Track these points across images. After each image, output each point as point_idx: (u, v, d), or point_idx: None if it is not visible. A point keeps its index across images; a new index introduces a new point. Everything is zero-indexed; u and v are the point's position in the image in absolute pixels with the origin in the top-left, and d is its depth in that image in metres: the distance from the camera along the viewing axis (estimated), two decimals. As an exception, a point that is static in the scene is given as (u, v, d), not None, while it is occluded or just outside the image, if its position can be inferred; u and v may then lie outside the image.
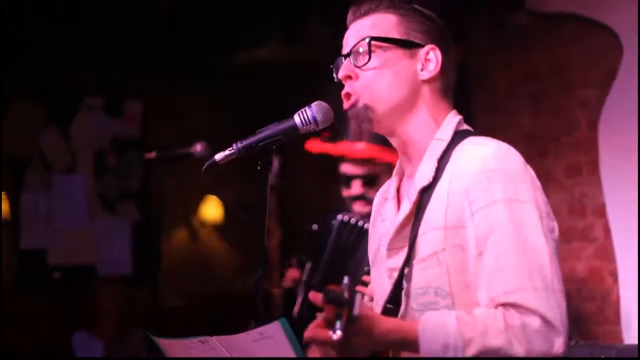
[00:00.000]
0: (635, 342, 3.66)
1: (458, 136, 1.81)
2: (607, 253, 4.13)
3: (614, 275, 4.08)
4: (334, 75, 1.89)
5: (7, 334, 5.50)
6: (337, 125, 1.89)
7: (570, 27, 4.40)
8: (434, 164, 1.78)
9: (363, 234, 3.26)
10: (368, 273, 3.14)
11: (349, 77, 1.83)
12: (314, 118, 1.82)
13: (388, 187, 1.96)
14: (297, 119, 1.83)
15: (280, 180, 4.07)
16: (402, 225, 1.80)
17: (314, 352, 1.65)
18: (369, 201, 3.38)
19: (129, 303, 5.48)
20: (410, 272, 1.76)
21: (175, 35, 5.66)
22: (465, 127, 1.86)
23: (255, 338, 1.74)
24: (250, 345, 1.74)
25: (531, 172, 1.74)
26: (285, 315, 3.09)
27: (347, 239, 3.32)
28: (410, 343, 1.61)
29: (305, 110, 1.83)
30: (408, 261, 1.76)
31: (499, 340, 1.56)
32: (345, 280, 1.49)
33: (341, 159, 3.35)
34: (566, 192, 4.38)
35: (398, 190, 1.92)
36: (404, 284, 1.77)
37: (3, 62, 5.47)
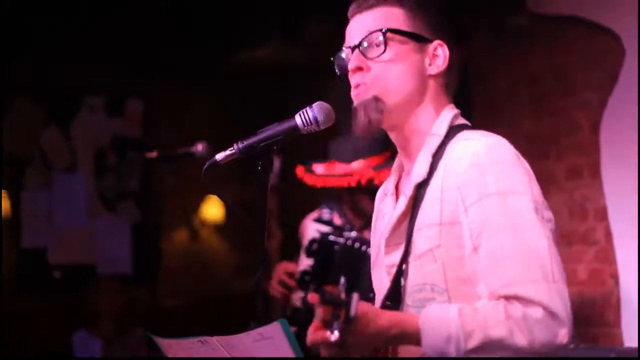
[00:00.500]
0: (636, 344, 3.66)
1: (453, 131, 1.82)
2: (608, 256, 4.13)
3: (614, 278, 4.08)
4: (336, 68, 1.89)
5: (7, 333, 5.49)
6: (338, 123, 1.88)
7: (572, 29, 4.39)
8: (429, 159, 1.78)
9: (354, 252, 3.19)
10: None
11: (359, 68, 1.83)
12: (315, 118, 1.82)
13: (388, 184, 1.96)
14: (298, 119, 1.83)
15: (281, 180, 4.07)
16: (399, 221, 1.81)
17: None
18: None
19: (128, 302, 5.48)
20: (406, 268, 1.76)
21: (176, 34, 5.67)
22: (461, 121, 1.87)
23: (255, 338, 1.73)
24: (250, 345, 1.74)
25: (525, 163, 1.74)
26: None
27: (340, 261, 3.21)
28: (411, 336, 1.60)
29: (306, 111, 1.82)
30: (405, 258, 1.76)
31: (501, 331, 1.55)
32: (342, 280, 1.49)
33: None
34: (567, 194, 4.37)
35: (397, 186, 1.92)
36: (402, 281, 1.77)
37: (3, 61, 5.47)
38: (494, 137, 1.75)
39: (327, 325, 1.50)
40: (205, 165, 1.83)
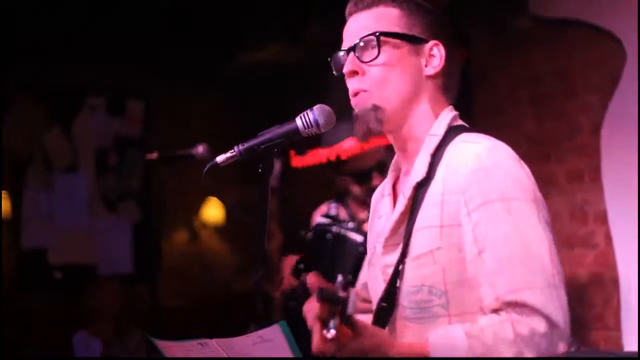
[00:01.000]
0: (636, 349, 3.66)
1: (452, 132, 1.81)
2: (608, 259, 4.13)
3: (614, 281, 4.08)
4: (333, 69, 1.88)
5: (8, 332, 5.50)
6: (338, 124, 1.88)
7: (573, 32, 4.39)
8: (428, 159, 1.77)
9: (341, 238, 3.24)
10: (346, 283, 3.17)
11: (354, 72, 1.82)
12: (316, 121, 1.82)
13: (385, 184, 1.96)
14: (298, 121, 1.82)
15: (282, 182, 4.07)
16: (398, 222, 1.80)
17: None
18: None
19: (129, 303, 5.48)
20: (403, 270, 1.76)
21: (178, 35, 5.67)
22: (460, 122, 1.86)
23: (255, 341, 1.73)
24: (249, 348, 1.74)
25: (525, 167, 1.73)
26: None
27: (325, 246, 3.28)
28: None
29: (307, 113, 1.82)
30: (402, 259, 1.76)
31: (510, 352, 1.56)
32: (339, 278, 1.49)
33: (336, 162, 3.32)
34: (568, 197, 4.37)
35: (395, 187, 1.91)
36: (398, 282, 1.77)
37: (5, 61, 5.47)
38: (495, 141, 1.75)
39: (324, 323, 1.50)
40: (206, 168, 1.83)
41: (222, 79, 6.22)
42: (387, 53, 1.80)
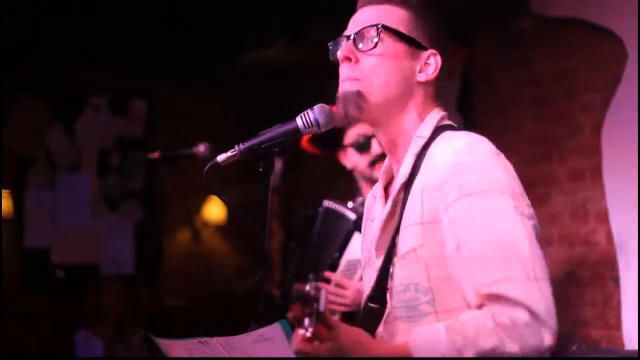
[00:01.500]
0: (636, 347, 3.66)
1: (437, 132, 1.81)
2: (609, 258, 4.13)
3: (615, 280, 4.08)
4: (330, 54, 1.89)
5: (10, 332, 5.51)
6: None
7: (575, 32, 4.39)
8: (412, 160, 1.78)
9: (344, 220, 3.25)
10: (333, 264, 3.16)
11: (348, 58, 1.82)
12: (316, 120, 1.82)
13: (377, 187, 1.97)
14: (299, 121, 1.83)
15: (283, 182, 4.07)
16: (385, 224, 1.81)
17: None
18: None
19: (130, 302, 5.49)
20: (392, 270, 1.77)
21: (180, 35, 5.67)
22: (447, 122, 1.86)
23: (256, 339, 1.74)
24: (250, 346, 1.75)
25: (504, 160, 1.72)
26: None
27: (329, 226, 3.29)
28: None
29: (307, 113, 1.83)
30: (389, 259, 1.77)
31: (492, 341, 1.54)
32: (310, 276, 1.51)
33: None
34: (569, 196, 4.37)
35: (386, 190, 1.92)
36: (389, 283, 1.78)
37: (8, 61, 5.48)
38: (474, 135, 1.74)
39: (300, 323, 1.51)
40: (207, 167, 1.84)
41: (224, 79, 6.23)
42: (384, 47, 1.80)
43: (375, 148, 3.20)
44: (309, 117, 1.82)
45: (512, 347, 1.54)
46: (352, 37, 1.83)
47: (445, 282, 1.68)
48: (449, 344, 1.56)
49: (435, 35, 1.85)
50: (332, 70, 1.93)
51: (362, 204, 3.25)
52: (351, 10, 1.92)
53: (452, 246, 1.65)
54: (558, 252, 4.31)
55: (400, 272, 1.75)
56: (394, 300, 1.76)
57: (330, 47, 1.91)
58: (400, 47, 1.82)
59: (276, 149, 1.83)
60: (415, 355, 1.58)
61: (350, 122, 1.85)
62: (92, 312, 5.28)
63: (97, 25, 5.45)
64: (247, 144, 1.83)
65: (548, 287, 1.59)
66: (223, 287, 6.47)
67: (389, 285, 1.78)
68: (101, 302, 5.30)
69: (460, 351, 1.55)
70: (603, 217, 4.17)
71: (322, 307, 1.49)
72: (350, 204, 3.29)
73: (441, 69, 1.84)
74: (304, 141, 3.39)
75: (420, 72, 1.83)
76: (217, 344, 1.78)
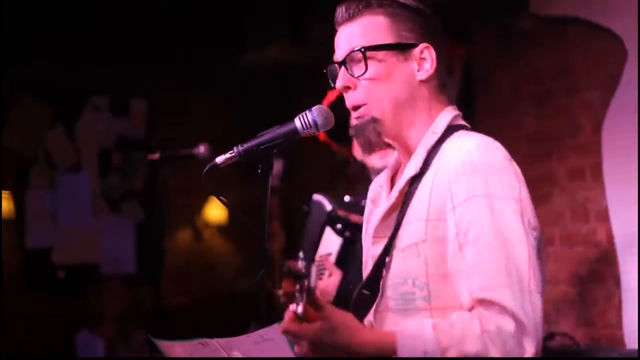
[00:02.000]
0: (637, 346, 3.67)
1: (450, 130, 1.81)
2: (609, 257, 4.13)
3: (616, 279, 4.08)
4: (330, 81, 1.89)
5: (11, 332, 5.52)
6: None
7: (575, 30, 4.39)
8: (424, 155, 1.78)
9: (319, 207, 3.23)
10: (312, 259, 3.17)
11: (347, 87, 1.83)
12: (315, 122, 1.83)
13: (382, 176, 1.97)
14: (297, 122, 1.84)
15: (283, 182, 4.07)
16: (388, 213, 1.82)
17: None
18: None
19: (131, 302, 5.50)
20: (390, 261, 1.78)
21: (181, 35, 5.68)
22: (460, 122, 1.86)
23: (256, 340, 1.75)
24: (250, 347, 1.76)
25: (515, 166, 1.73)
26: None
27: (313, 218, 3.26)
28: (387, 353, 1.61)
29: (306, 114, 1.83)
30: (388, 250, 1.78)
31: (476, 346, 1.56)
32: (301, 254, 1.53)
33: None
34: (569, 195, 4.37)
35: (392, 180, 1.92)
36: (384, 273, 1.78)
37: (9, 61, 5.49)
38: (487, 138, 1.75)
39: (291, 298, 1.53)
40: (206, 169, 1.84)
41: (225, 79, 6.23)
42: (375, 66, 1.79)
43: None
44: (307, 119, 1.83)
45: (494, 354, 1.56)
46: (344, 64, 1.81)
47: (443, 279, 1.69)
48: (435, 343, 1.57)
49: (423, 28, 1.83)
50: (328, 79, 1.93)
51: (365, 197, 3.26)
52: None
53: (455, 246, 1.66)
54: (558, 251, 4.31)
55: (399, 265, 1.76)
56: (390, 292, 1.77)
57: (327, 73, 1.89)
58: (390, 58, 1.80)
59: (275, 151, 1.83)
60: (399, 347, 1.59)
61: (374, 149, 1.85)
62: (93, 312, 5.29)
63: (98, 25, 5.46)
64: (245, 146, 1.83)
65: (539, 301, 1.61)
66: (224, 288, 6.48)
67: (383, 275, 1.79)
68: (102, 302, 5.31)
69: (444, 351, 1.57)
70: (603, 216, 4.17)
71: (312, 283, 1.50)
72: (347, 198, 3.28)
73: (439, 60, 1.83)
74: (323, 136, 3.37)
75: (418, 70, 1.82)
76: (217, 345, 1.79)
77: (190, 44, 5.79)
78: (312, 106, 1.86)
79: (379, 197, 1.95)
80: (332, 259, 2.98)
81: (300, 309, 1.51)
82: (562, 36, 4.48)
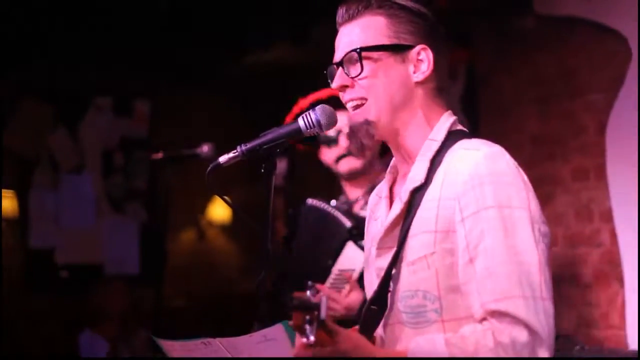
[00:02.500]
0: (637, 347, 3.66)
1: (451, 137, 1.80)
2: (613, 258, 4.12)
3: (620, 280, 4.08)
4: (329, 80, 1.89)
5: (14, 332, 5.52)
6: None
7: (579, 31, 4.39)
8: (427, 165, 1.77)
9: (329, 219, 3.14)
10: (327, 269, 3.10)
11: (344, 86, 1.83)
12: (318, 121, 1.83)
13: (382, 186, 1.96)
14: (300, 122, 1.83)
15: (287, 182, 4.07)
16: (392, 225, 1.81)
17: None
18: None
19: (134, 302, 5.50)
20: (398, 273, 1.77)
21: (184, 36, 5.68)
22: (459, 127, 1.85)
23: (258, 340, 1.74)
24: (253, 347, 1.75)
25: (524, 176, 1.73)
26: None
27: (312, 224, 3.20)
28: None
29: (309, 114, 1.83)
30: (395, 262, 1.77)
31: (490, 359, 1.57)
32: (310, 283, 1.52)
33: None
34: (573, 196, 4.37)
35: (391, 189, 1.92)
36: (391, 285, 1.78)
37: (12, 62, 5.49)
38: (494, 147, 1.74)
39: (301, 331, 1.52)
40: (209, 168, 1.84)
41: (227, 80, 6.23)
42: (370, 67, 1.79)
43: (343, 143, 3.10)
44: (310, 118, 1.83)
45: None
46: (341, 64, 1.82)
47: (454, 291, 1.69)
48: (448, 357, 1.58)
49: (422, 30, 1.82)
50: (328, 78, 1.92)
51: (345, 203, 3.24)
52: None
53: (465, 258, 1.66)
54: (562, 252, 4.31)
55: (408, 278, 1.75)
56: (400, 305, 1.77)
57: (327, 74, 1.89)
58: (386, 58, 1.80)
59: (278, 150, 1.83)
60: None
61: (367, 150, 1.85)
62: (96, 312, 5.29)
63: (101, 26, 5.46)
64: (249, 145, 1.83)
65: (551, 308, 1.62)
66: (226, 288, 6.48)
67: (391, 288, 1.78)
68: (105, 302, 5.30)
69: None
70: (607, 216, 4.17)
71: (323, 314, 1.49)
72: (333, 202, 3.25)
73: (437, 62, 1.81)
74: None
75: (415, 72, 1.80)
76: (219, 345, 1.78)
77: (193, 45, 5.79)
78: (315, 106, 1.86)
79: (378, 208, 1.94)
80: (356, 275, 2.96)
81: (311, 339, 1.50)
82: (566, 37, 4.48)
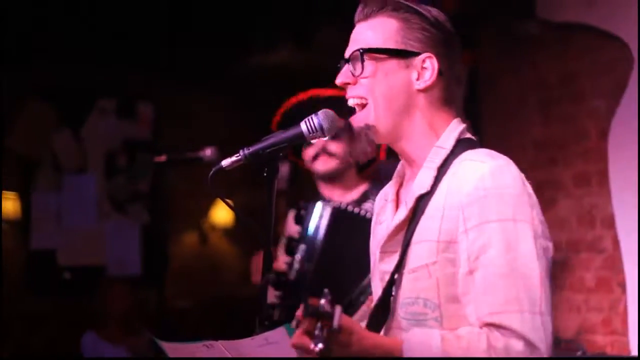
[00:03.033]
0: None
1: (460, 146, 1.80)
2: (615, 264, 4.12)
3: (622, 286, 4.08)
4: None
5: (16, 333, 5.53)
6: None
7: (581, 37, 4.39)
8: (434, 173, 1.77)
9: (364, 223, 3.13)
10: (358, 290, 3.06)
11: (347, 83, 1.83)
12: (320, 126, 1.83)
13: (388, 190, 1.96)
14: (303, 126, 1.83)
15: (290, 185, 4.06)
16: (397, 230, 1.81)
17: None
18: (332, 156, 3.23)
19: (137, 304, 5.50)
20: (400, 280, 1.77)
21: (188, 37, 5.68)
22: (468, 135, 1.85)
23: (261, 343, 1.75)
24: (255, 350, 1.76)
25: (529, 189, 1.73)
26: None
27: (344, 230, 3.12)
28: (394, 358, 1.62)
29: (312, 118, 1.83)
30: (398, 268, 1.77)
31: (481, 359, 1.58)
32: (325, 291, 1.51)
33: None
34: (575, 202, 4.37)
35: (398, 193, 1.92)
36: (394, 291, 1.79)
37: (16, 63, 5.50)
38: (501, 159, 1.74)
39: (311, 336, 1.52)
40: (211, 172, 1.84)
41: (232, 82, 6.24)
42: (372, 68, 1.79)
43: (319, 142, 3.06)
44: (313, 123, 1.82)
45: None
46: (348, 60, 1.83)
47: (453, 301, 1.70)
48: (442, 353, 1.59)
49: (433, 37, 1.81)
50: (337, 74, 1.93)
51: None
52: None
53: (465, 269, 1.67)
54: (564, 258, 4.31)
55: (409, 285, 1.76)
56: (401, 311, 1.77)
57: (339, 70, 1.90)
58: (389, 62, 1.80)
59: (280, 154, 1.83)
60: (406, 354, 1.60)
61: (367, 155, 1.85)
62: (99, 314, 5.29)
63: (104, 28, 5.47)
64: (251, 149, 1.83)
65: (550, 322, 1.62)
66: (229, 290, 6.48)
67: (393, 294, 1.79)
68: (107, 304, 5.30)
69: None
70: (609, 222, 4.17)
71: (336, 323, 1.49)
72: (366, 206, 3.23)
73: (445, 72, 1.80)
74: None
75: (418, 79, 1.80)
76: (222, 348, 1.78)
77: (197, 47, 5.80)
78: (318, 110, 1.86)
79: (384, 211, 1.94)
80: None
81: (317, 348, 1.49)
82: (568, 42, 4.48)
